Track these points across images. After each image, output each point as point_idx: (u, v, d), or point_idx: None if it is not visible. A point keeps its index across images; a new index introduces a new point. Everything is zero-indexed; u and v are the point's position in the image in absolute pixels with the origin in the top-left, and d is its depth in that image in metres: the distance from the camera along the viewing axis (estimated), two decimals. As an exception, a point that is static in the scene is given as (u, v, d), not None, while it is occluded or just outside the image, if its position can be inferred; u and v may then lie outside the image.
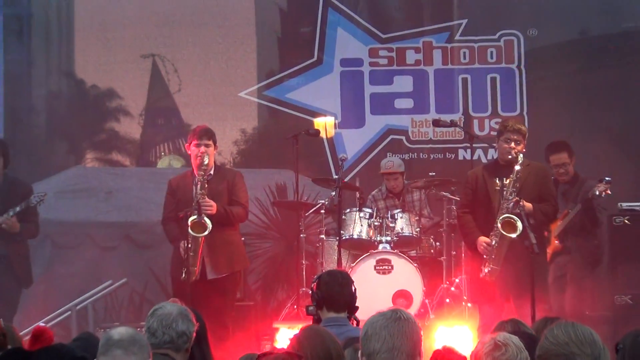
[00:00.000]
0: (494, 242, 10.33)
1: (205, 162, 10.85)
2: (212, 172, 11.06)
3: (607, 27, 15.47)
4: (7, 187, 11.33)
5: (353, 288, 7.74)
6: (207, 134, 11.04)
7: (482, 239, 10.42)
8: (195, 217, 10.64)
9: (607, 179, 11.49)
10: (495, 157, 11.20)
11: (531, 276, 10.12)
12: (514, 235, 10.21)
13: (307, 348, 5.48)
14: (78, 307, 13.22)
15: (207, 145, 10.90)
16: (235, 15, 15.49)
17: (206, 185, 10.84)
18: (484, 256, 10.46)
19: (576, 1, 15.03)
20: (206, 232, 10.65)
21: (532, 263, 10.16)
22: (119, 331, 5.27)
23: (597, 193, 11.41)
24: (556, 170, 11.83)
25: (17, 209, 11.01)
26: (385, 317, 4.75)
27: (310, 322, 7.72)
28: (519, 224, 10.18)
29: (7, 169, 11.47)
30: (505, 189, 10.34)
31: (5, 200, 11.15)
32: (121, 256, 14.17)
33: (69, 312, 13.02)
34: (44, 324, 8.63)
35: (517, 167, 10.26)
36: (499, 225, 10.21)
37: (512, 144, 10.47)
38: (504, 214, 10.25)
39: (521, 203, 10.25)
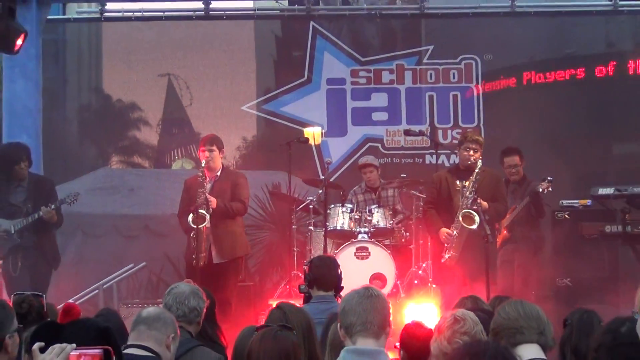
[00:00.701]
0: (454, 233, 10.56)
1: (203, 165, 11.07)
2: (218, 173, 11.10)
3: (552, 52, 15.40)
4: (33, 184, 11.18)
5: (339, 271, 7.95)
6: (210, 141, 11.22)
7: (444, 230, 10.62)
8: (200, 210, 10.77)
9: (549, 178, 11.59)
10: (456, 162, 11.19)
11: (486, 261, 10.26)
12: (472, 227, 10.43)
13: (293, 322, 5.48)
14: (105, 286, 13.22)
15: (210, 150, 11.06)
16: (238, 41, 15.40)
17: (208, 187, 10.98)
18: (446, 244, 10.64)
19: (525, 31, 14.93)
20: (205, 224, 10.72)
21: (486, 250, 10.25)
22: (147, 310, 5.36)
23: (541, 190, 11.52)
24: (508, 170, 11.83)
25: (53, 205, 10.91)
26: (359, 295, 4.81)
27: (302, 300, 7.82)
28: (477, 218, 10.44)
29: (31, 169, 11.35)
30: (465, 189, 10.57)
31: (34, 195, 11.06)
32: (141, 243, 14.10)
33: (97, 291, 13.03)
34: (72, 301, 8.58)
35: (476, 171, 10.34)
36: (460, 218, 10.43)
37: (471, 152, 10.70)
38: (464, 209, 10.34)
39: (478, 201, 10.48)
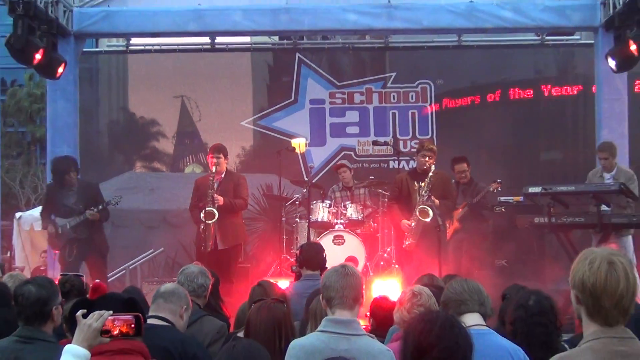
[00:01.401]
0: (413, 224, 10.47)
1: (214, 170, 10.98)
2: (223, 175, 11.08)
3: (490, 78, 15.47)
4: (81, 189, 11.17)
5: (324, 254, 8.02)
6: (218, 150, 11.16)
7: (405, 222, 10.56)
8: (207, 208, 10.77)
9: (498, 180, 11.79)
10: (414, 166, 11.17)
11: (438, 246, 10.22)
12: (427, 220, 10.42)
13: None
14: (130, 267, 13.27)
15: (218, 157, 10.99)
16: (238, 69, 15.44)
17: (215, 186, 10.91)
18: (406, 233, 10.60)
19: (468, 60, 15.02)
20: (214, 220, 10.69)
21: (439, 238, 10.28)
22: (165, 286, 5.39)
23: (492, 189, 11.66)
24: (458, 175, 11.89)
25: (96, 209, 10.95)
26: (337, 273, 4.78)
27: (291, 278, 7.90)
28: (431, 212, 10.44)
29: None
30: (421, 188, 10.48)
31: (83, 197, 11.04)
32: (159, 233, 14.07)
33: (124, 271, 13.09)
34: (99, 281, 8.64)
35: (430, 174, 10.38)
36: (417, 212, 10.38)
37: (427, 159, 10.67)
38: (420, 205, 10.35)
39: (432, 198, 10.52)
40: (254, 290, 6.41)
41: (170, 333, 4.95)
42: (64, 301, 5.04)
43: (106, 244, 11.45)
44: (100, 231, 11.34)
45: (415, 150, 11.70)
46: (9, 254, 15.54)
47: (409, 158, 13.97)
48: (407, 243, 10.64)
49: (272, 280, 7.25)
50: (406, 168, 13.47)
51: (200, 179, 11.57)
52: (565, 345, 5.12)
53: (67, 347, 3.67)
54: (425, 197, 10.57)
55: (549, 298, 5.14)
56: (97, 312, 3.74)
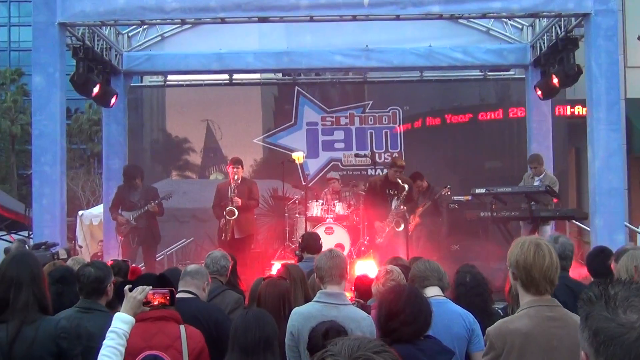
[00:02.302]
0: (387, 229, 10.60)
1: (236, 178, 10.99)
2: (239, 181, 11.04)
3: (445, 104, 15.51)
4: (144, 190, 11.30)
5: (321, 242, 8.05)
6: (237, 161, 11.16)
7: (378, 224, 10.72)
8: (229, 207, 10.81)
9: (448, 185, 11.75)
10: (386, 174, 11.16)
11: (406, 236, 10.17)
12: (399, 229, 10.62)
13: (289, 273, 5.46)
14: (167, 253, 13.28)
15: (236, 167, 10.98)
16: (251, 99, 15.43)
17: (236, 190, 10.88)
18: (378, 233, 10.75)
19: (429, 91, 15.08)
20: (234, 217, 10.71)
21: (406, 230, 10.26)
22: (191, 266, 5.36)
23: (443, 193, 11.54)
24: (416, 186, 11.78)
25: (153, 203, 11.05)
26: (325, 256, 4.76)
27: (294, 261, 7.89)
28: (403, 225, 10.59)
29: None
30: (396, 200, 10.61)
31: (144, 196, 11.14)
32: (191, 226, 14.12)
33: (163, 256, 13.01)
34: (135, 265, 8.71)
35: (406, 187, 10.42)
36: (393, 223, 10.53)
37: (397, 174, 10.69)
38: (395, 217, 10.47)
39: (401, 207, 10.66)
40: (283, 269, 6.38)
41: (196, 303, 4.94)
42: (115, 280, 5.03)
43: (159, 234, 11.51)
44: (155, 223, 11.38)
45: (387, 161, 11.75)
46: (73, 243, 15.50)
47: (382, 167, 13.84)
48: (379, 241, 10.74)
49: (274, 262, 7.25)
50: (381, 174, 13.47)
51: (221, 184, 11.55)
52: (499, 310, 5.14)
53: (117, 314, 3.70)
54: (399, 207, 10.64)
55: (480, 273, 5.25)
56: (140, 287, 3.77)
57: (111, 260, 7.27)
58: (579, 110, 14.39)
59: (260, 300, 4.94)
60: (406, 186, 10.65)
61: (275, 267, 9.79)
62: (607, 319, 1.72)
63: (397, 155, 14.42)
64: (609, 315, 1.73)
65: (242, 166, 11.32)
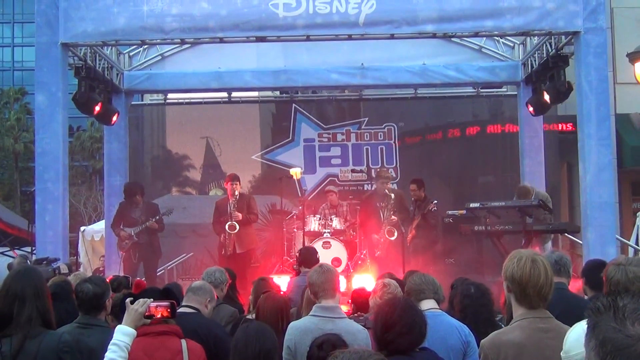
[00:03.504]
0: (382, 240, 10.53)
1: (235, 193, 11.02)
2: (238, 196, 11.06)
3: (439, 121, 15.52)
4: (145, 206, 11.39)
5: (318, 256, 8.03)
6: (234, 177, 11.20)
7: (374, 236, 10.77)
8: (230, 222, 10.94)
9: (435, 201, 11.61)
10: (375, 189, 11.33)
11: (402, 250, 10.17)
12: (392, 238, 10.74)
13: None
14: (168, 267, 13.16)
15: (234, 183, 11.03)
16: (249, 116, 15.40)
17: (236, 205, 10.98)
18: (376, 246, 10.91)
19: (422, 107, 15.08)
20: (235, 231, 10.73)
21: (402, 243, 10.28)
22: (195, 282, 5.37)
23: (430, 208, 11.47)
24: (412, 193, 11.79)
25: (153, 219, 11.11)
26: (316, 272, 4.79)
27: (292, 274, 7.94)
28: (395, 232, 10.75)
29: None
30: (385, 210, 10.77)
31: (146, 212, 11.22)
32: (190, 241, 14.00)
33: (163, 270, 12.90)
34: (139, 278, 8.70)
35: (392, 200, 10.48)
36: (385, 232, 10.45)
37: (385, 185, 11.07)
38: (387, 226, 10.46)
39: (392, 217, 10.83)
40: (258, 284, 6.42)
41: (197, 318, 4.94)
42: (113, 294, 5.05)
43: (160, 249, 11.55)
44: (156, 238, 11.42)
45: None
46: (75, 259, 15.46)
47: (378, 182, 13.90)
48: (378, 253, 10.86)
49: (273, 277, 7.31)
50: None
51: (219, 201, 11.65)
52: (501, 323, 5.14)
53: (118, 327, 3.72)
54: (390, 216, 10.78)
55: (483, 284, 5.24)
56: (141, 300, 3.79)
57: (112, 275, 7.30)
58: (568, 126, 14.42)
59: (259, 312, 4.95)
60: (392, 195, 10.73)
61: (274, 281, 9.79)
62: (615, 330, 1.73)
63: (392, 170, 14.45)
64: (617, 326, 1.73)
65: (239, 182, 11.39)
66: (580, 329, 2.52)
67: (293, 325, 4.59)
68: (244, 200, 11.33)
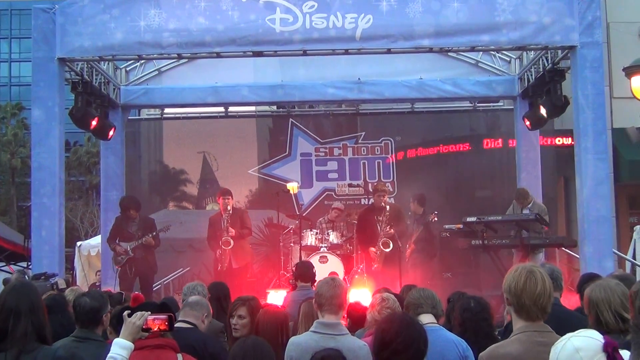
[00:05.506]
0: (378, 252, 10.58)
1: (228, 208, 11.17)
2: (230, 211, 11.08)
3: (436, 135, 15.51)
4: (141, 221, 11.28)
5: (314, 271, 7.96)
6: (226, 192, 11.36)
7: (371, 249, 10.73)
8: (225, 237, 10.98)
9: (435, 212, 11.66)
10: (372, 203, 11.33)
11: (399, 264, 10.16)
12: (387, 250, 10.70)
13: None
14: (164, 282, 13.06)
15: (226, 198, 11.09)
16: (246, 131, 15.40)
17: (229, 220, 11.06)
18: (373, 259, 10.87)
19: (420, 122, 15.09)
20: (230, 246, 10.73)
21: (399, 257, 10.27)
22: (192, 297, 5.36)
23: (430, 219, 11.51)
24: (412, 207, 11.81)
25: (150, 235, 11.03)
26: (327, 284, 4.74)
27: (288, 289, 7.91)
28: (391, 244, 10.71)
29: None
30: (381, 223, 10.78)
31: (142, 227, 11.13)
32: (187, 256, 13.94)
33: (160, 285, 12.80)
34: (137, 292, 8.62)
35: (387, 212, 10.49)
36: (380, 244, 10.45)
37: (381, 198, 11.08)
38: (383, 238, 10.44)
39: (389, 230, 10.82)
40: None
41: (194, 333, 4.94)
42: (111, 309, 5.02)
43: (156, 264, 11.44)
44: (152, 254, 11.30)
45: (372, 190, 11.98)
46: (71, 273, 15.41)
47: (376, 197, 13.90)
48: (375, 266, 10.82)
49: (270, 291, 7.25)
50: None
51: (213, 216, 11.72)
52: (498, 337, 5.12)
53: (115, 340, 3.72)
54: (386, 229, 10.74)
55: (483, 298, 5.21)
56: (139, 312, 3.79)
57: (108, 291, 7.28)
58: (565, 140, 14.44)
59: (258, 328, 4.93)
60: (387, 207, 10.75)
61: (271, 295, 9.76)
62: None
63: (389, 184, 14.45)
64: None
65: (231, 196, 11.45)
66: (571, 346, 2.50)
67: (294, 341, 4.56)
68: (237, 215, 11.35)
